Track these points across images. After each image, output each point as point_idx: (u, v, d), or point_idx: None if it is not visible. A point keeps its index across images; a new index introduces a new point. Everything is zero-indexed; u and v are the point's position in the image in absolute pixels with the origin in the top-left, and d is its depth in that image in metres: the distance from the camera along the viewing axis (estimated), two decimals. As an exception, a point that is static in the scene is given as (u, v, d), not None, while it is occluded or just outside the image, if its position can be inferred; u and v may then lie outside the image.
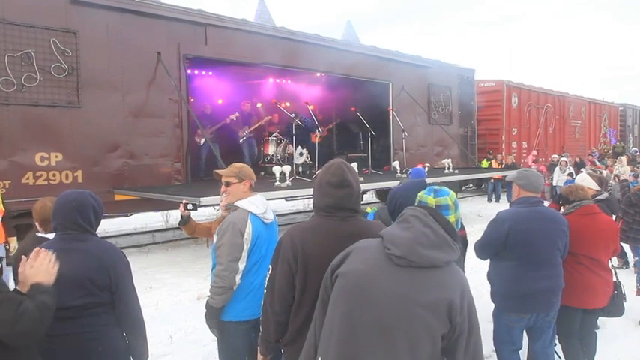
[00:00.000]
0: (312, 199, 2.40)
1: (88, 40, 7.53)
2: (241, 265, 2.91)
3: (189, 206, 4.29)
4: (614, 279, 3.94)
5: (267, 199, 3.18)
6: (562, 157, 15.45)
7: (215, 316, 3.00)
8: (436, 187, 2.33)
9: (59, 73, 7.28)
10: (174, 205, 8.59)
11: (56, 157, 7.28)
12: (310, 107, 10.84)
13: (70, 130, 7.42)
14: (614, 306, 4.07)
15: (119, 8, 7.82)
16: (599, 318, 4.20)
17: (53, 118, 7.28)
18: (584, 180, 4.93)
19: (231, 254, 2.89)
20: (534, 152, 17.68)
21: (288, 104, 10.91)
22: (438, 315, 1.72)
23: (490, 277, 3.57)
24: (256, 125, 11.08)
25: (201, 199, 6.14)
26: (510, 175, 3.77)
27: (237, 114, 10.34)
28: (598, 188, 4.73)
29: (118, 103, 7.91)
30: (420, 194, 2.41)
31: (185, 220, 4.29)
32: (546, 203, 3.90)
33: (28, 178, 7.04)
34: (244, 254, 2.91)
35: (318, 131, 11.07)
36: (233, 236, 2.89)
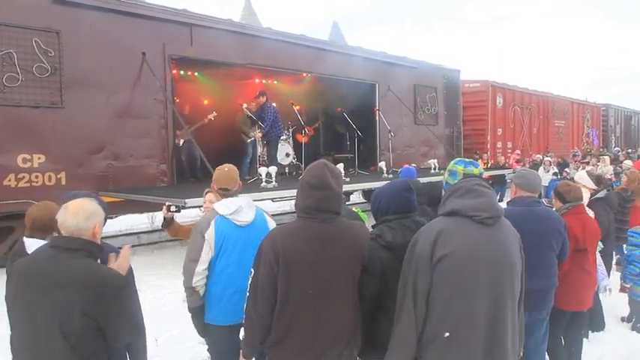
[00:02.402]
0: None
1: (71, 39, 7.43)
2: (201, 267, 2.88)
3: (173, 208, 4.25)
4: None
5: (253, 200, 3.15)
6: (547, 156, 15.62)
7: (194, 316, 3.04)
8: (467, 160, 2.52)
9: (42, 74, 7.17)
10: (160, 207, 8.48)
11: (39, 158, 7.18)
12: (296, 107, 10.82)
13: (54, 131, 7.32)
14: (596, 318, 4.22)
15: (103, 8, 7.73)
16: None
17: (36, 119, 7.17)
18: (582, 178, 4.98)
19: (189, 254, 2.92)
20: (517, 151, 17.85)
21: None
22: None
23: None
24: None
25: (187, 200, 6.10)
26: (510, 176, 3.81)
27: (214, 113, 10.21)
28: (595, 187, 4.78)
29: (103, 103, 7.82)
30: (452, 164, 2.58)
31: (168, 222, 4.27)
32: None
33: (9, 180, 6.93)
34: (204, 256, 2.88)
35: (305, 131, 11.05)
36: (194, 237, 2.92)
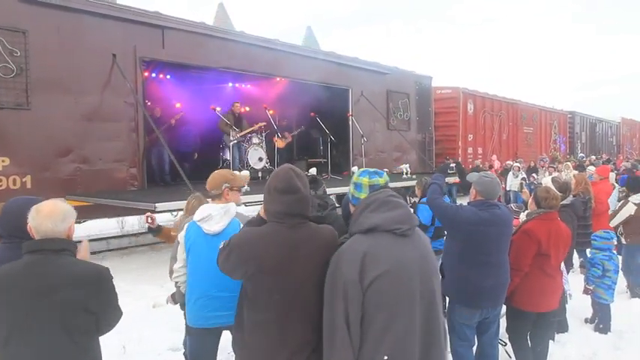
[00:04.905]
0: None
1: (38, 40, 7.25)
2: (177, 265, 3.16)
3: (149, 220, 4.32)
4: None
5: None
6: (516, 162, 15.97)
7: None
8: (370, 170, 2.35)
9: (7, 74, 6.98)
10: (130, 211, 8.36)
11: (2, 161, 6.96)
12: (270, 112, 10.80)
13: (19, 133, 7.12)
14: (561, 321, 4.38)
15: (72, 8, 7.57)
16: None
17: (0, 121, 6.96)
18: (547, 184, 5.14)
19: (172, 251, 3.30)
20: (494, 156, 18.19)
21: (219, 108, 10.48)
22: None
23: (442, 271, 3.68)
24: (249, 130, 10.49)
25: (157, 204, 6.02)
26: (471, 176, 3.84)
27: (182, 113, 10.04)
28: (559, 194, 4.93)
29: (71, 105, 7.65)
30: (356, 177, 2.34)
31: (155, 230, 4.31)
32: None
33: (-29, 184, 6.71)
34: (179, 256, 3.13)
35: (278, 136, 11.02)
36: (177, 237, 3.22)
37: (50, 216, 2.13)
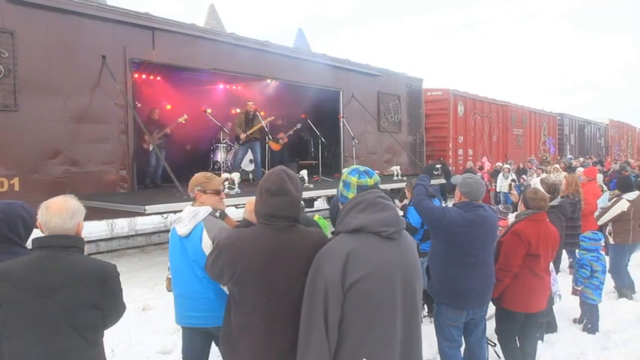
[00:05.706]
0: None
1: (26, 41, 7.18)
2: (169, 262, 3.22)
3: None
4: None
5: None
6: (506, 163, 16.08)
7: None
8: (361, 169, 2.28)
9: (-6, 75, 6.92)
10: (119, 214, 8.30)
11: (-10, 163, 6.90)
12: (261, 114, 10.78)
13: (6, 135, 7.04)
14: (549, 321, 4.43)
15: (61, 9, 7.52)
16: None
17: (-13, 123, 6.90)
18: (535, 185, 5.20)
19: None
20: (484, 158, 18.27)
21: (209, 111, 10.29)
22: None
23: (428, 272, 3.72)
24: (258, 127, 10.28)
25: (146, 207, 5.98)
26: (456, 178, 3.87)
27: (185, 116, 9.96)
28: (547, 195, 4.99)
29: (60, 107, 7.59)
30: (345, 175, 2.29)
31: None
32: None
33: (-42, 186, 6.64)
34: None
35: (269, 138, 10.99)
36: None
37: (59, 212, 2.15)
